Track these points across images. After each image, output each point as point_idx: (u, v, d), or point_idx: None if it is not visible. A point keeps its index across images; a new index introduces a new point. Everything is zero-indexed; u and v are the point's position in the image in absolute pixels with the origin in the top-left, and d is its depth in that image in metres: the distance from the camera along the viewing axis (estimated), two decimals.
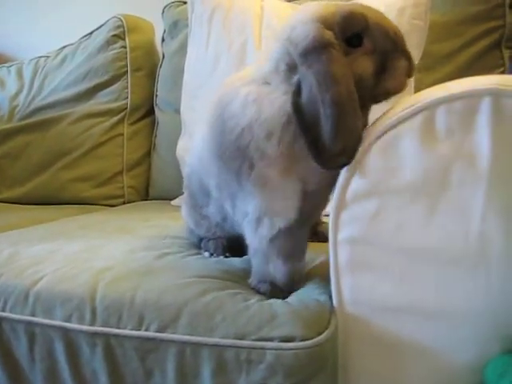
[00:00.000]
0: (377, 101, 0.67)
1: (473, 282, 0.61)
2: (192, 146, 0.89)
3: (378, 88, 0.66)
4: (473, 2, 1.29)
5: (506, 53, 1.31)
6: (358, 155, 0.63)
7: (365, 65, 0.65)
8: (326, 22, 0.65)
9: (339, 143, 0.61)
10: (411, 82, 1.21)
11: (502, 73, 1.29)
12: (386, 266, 0.64)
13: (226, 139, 0.69)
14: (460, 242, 0.60)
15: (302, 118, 0.63)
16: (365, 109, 0.67)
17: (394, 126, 0.62)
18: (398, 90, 0.67)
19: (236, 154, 0.68)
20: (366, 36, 0.66)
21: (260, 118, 0.66)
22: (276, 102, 0.66)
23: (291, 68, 0.66)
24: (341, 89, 0.61)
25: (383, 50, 0.66)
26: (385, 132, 0.62)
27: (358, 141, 0.63)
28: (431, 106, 0.60)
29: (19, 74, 1.84)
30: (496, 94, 0.58)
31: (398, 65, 0.67)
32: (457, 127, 0.59)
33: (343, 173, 0.65)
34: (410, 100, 0.63)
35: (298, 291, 0.72)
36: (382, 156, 0.62)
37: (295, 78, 0.65)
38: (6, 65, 1.92)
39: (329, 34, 0.64)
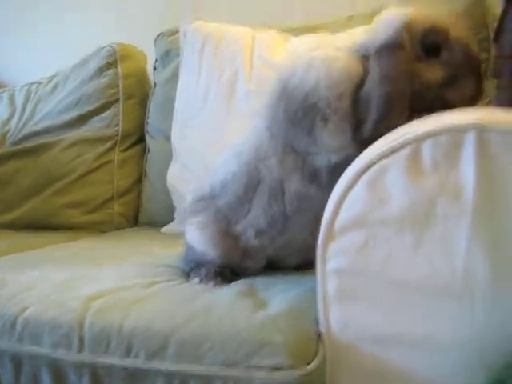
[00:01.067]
0: (433, 111, 0.69)
1: (458, 313, 0.62)
2: (218, 164, 0.91)
3: (438, 99, 0.72)
4: None
5: (491, 84, 1.33)
6: (345, 186, 0.65)
7: (434, 74, 0.72)
8: (408, 27, 0.73)
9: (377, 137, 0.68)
10: None
11: (488, 103, 1.31)
12: (374, 297, 0.65)
13: (294, 102, 0.76)
14: (445, 274, 0.61)
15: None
16: (418, 115, 0.69)
17: (380, 159, 0.63)
18: (457, 106, 0.70)
19: (307, 111, 0.75)
20: (444, 48, 0.72)
21: (331, 76, 0.75)
22: (350, 63, 0.75)
23: (365, 57, 0.74)
24: (394, 90, 0.70)
25: (457, 65, 0.72)
26: (372, 164, 0.63)
27: None
28: (417, 140, 0.62)
29: (11, 99, 1.84)
30: (480, 129, 0.59)
31: (466, 84, 0.72)
32: (442, 161, 0.61)
33: (330, 205, 0.66)
34: (396, 133, 0.64)
35: (288, 319, 0.72)
36: (369, 188, 0.63)
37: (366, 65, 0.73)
38: None
39: (406, 38, 0.71)
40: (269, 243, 0.84)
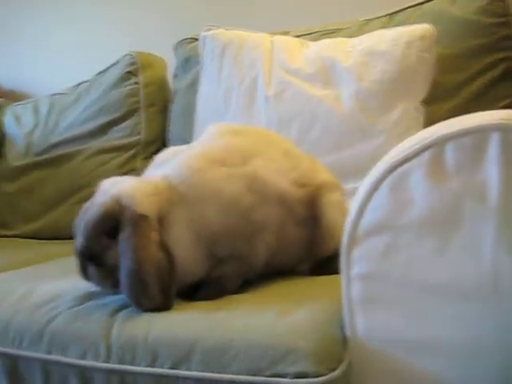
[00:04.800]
0: None
1: (484, 317, 0.61)
2: None
3: None
4: (479, 34, 1.30)
5: None
6: (368, 191, 0.64)
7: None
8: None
9: None
10: (420, 114, 1.22)
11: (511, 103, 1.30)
12: (399, 302, 0.65)
13: None
14: (471, 277, 0.61)
15: None
16: None
17: (403, 163, 0.62)
18: None
19: None
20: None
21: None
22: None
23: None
24: None
25: None
26: (394, 168, 0.63)
27: None
28: (439, 143, 0.61)
29: (35, 110, 1.87)
30: (504, 129, 0.59)
31: None
32: (466, 163, 0.60)
33: (354, 208, 0.66)
34: (418, 136, 0.64)
35: (312, 325, 0.71)
36: (392, 192, 0.63)
37: None
38: (22, 102, 1.96)
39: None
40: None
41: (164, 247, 0.74)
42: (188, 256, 0.78)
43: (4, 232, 1.78)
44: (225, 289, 0.81)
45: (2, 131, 1.92)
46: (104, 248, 0.76)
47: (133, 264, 0.72)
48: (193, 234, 0.78)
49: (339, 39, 1.36)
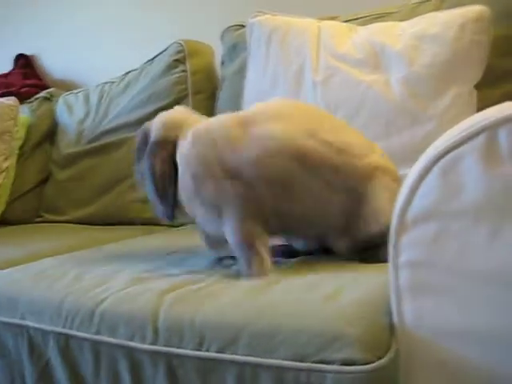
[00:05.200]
0: None
1: None
2: None
3: None
4: None
5: None
6: (418, 177, 0.63)
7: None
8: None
9: None
10: (473, 98, 1.19)
11: None
12: (449, 290, 0.63)
13: None
14: None
15: None
16: None
17: (455, 147, 0.61)
18: None
19: None
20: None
21: None
22: None
23: None
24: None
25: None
26: (446, 153, 0.61)
27: None
28: (493, 126, 0.59)
29: (86, 99, 1.91)
30: None
31: None
32: None
33: (403, 195, 0.64)
34: (470, 120, 0.62)
35: (359, 311, 0.70)
36: (443, 177, 0.61)
37: None
38: (74, 91, 2.00)
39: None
40: None
41: (168, 162, 0.91)
42: None
43: (56, 217, 1.84)
44: None
45: (54, 120, 1.98)
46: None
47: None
48: None
49: (389, 23, 1.33)
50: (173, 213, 0.94)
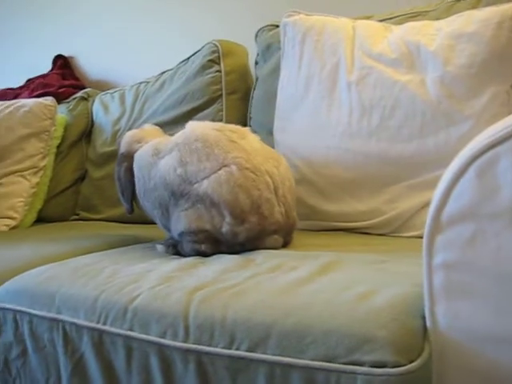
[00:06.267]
0: None
1: None
2: None
3: None
4: None
5: None
6: (452, 177, 0.62)
7: None
8: None
9: None
10: (511, 98, 1.16)
11: None
12: (485, 293, 0.62)
13: None
14: None
15: None
16: None
17: (491, 148, 0.59)
18: None
19: None
20: None
21: None
22: None
23: None
24: None
25: None
26: (482, 153, 0.60)
27: None
28: None
29: (122, 99, 1.94)
30: None
31: None
32: None
33: (437, 195, 0.63)
34: (507, 120, 0.60)
35: (392, 313, 0.69)
36: (479, 178, 0.60)
37: None
38: (109, 91, 2.04)
39: None
40: None
41: (130, 170, 1.19)
42: None
43: (92, 215, 1.87)
44: None
45: (91, 119, 2.01)
46: None
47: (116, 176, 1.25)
48: None
49: (424, 22, 1.31)
50: (131, 208, 1.25)
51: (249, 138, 1.09)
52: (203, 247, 1.02)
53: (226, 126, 1.11)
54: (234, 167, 1.00)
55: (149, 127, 1.31)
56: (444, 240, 0.63)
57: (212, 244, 1.02)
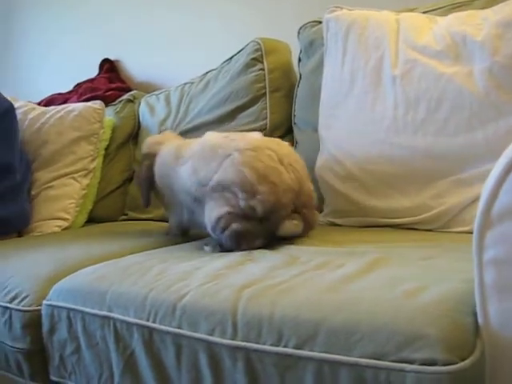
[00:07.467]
0: None
1: None
2: None
3: None
4: None
5: None
6: (502, 171, 0.60)
7: None
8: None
9: None
10: None
11: None
12: None
13: None
14: None
15: None
16: None
17: None
18: None
19: None
20: None
21: None
22: None
23: None
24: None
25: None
26: None
27: None
28: None
29: (167, 100, 1.97)
30: None
31: None
32: None
33: (487, 190, 0.62)
34: None
35: (442, 310, 0.68)
36: None
37: None
38: (155, 93, 2.07)
39: None
40: None
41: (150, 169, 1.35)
42: None
43: (140, 215, 1.90)
44: None
45: (137, 121, 2.05)
46: None
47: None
48: None
49: (469, 12, 1.27)
50: (148, 203, 1.41)
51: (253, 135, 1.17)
52: (234, 226, 1.06)
53: (232, 134, 1.21)
54: (235, 153, 1.07)
55: (169, 133, 1.53)
56: (494, 235, 0.62)
57: (240, 222, 1.05)
